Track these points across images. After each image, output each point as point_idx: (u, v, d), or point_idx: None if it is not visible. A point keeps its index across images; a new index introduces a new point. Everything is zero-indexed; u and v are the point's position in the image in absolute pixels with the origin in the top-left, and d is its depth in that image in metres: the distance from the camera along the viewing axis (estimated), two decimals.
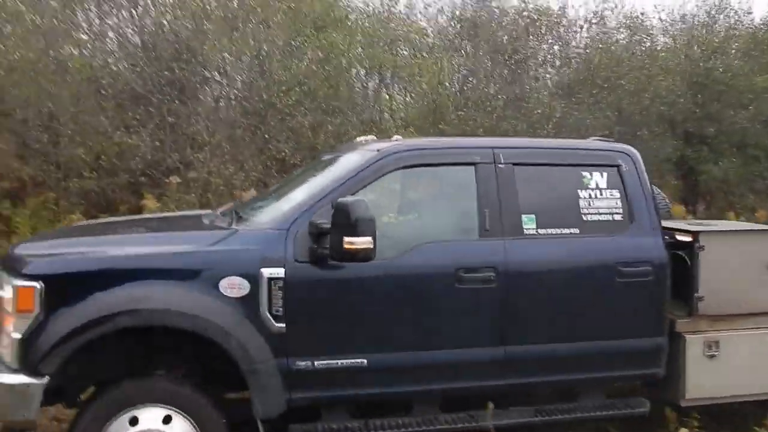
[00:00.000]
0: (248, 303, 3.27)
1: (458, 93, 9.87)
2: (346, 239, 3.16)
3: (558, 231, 3.80)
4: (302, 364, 3.36)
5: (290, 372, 3.34)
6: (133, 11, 8.67)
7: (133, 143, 7.80)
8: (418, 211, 3.89)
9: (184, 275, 3.26)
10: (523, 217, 3.75)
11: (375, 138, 4.43)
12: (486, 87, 9.79)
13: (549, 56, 10.64)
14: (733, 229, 4.85)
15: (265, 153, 8.32)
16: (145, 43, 8.60)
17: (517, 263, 3.67)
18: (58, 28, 8.27)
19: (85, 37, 8.70)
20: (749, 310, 4.12)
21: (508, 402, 3.74)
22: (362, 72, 9.84)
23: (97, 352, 3.23)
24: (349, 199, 3.23)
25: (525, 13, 10.27)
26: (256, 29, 8.81)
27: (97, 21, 8.78)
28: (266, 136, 8.33)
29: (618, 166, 3.97)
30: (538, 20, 10.24)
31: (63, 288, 3.12)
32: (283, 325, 3.31)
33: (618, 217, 3.90)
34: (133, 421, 3.17)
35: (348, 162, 3.81)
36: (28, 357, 3.06)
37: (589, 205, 3.88)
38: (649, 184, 4.03)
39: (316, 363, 3.38)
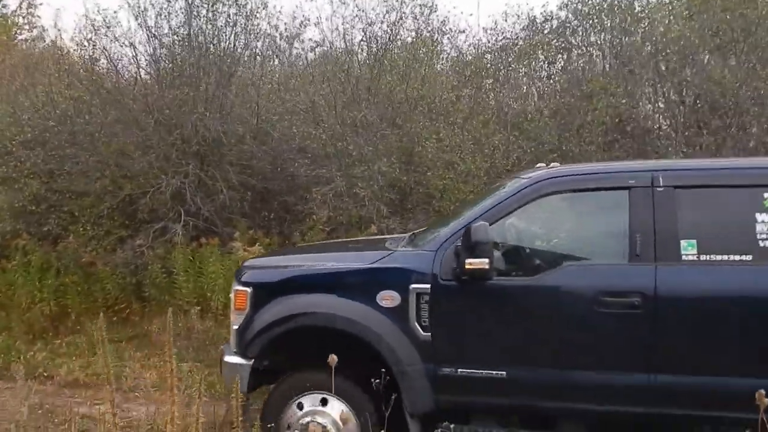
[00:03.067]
0: (399, 314, 3.84)
1: None
2: (467, 260, 3.55)
3: (725, 257, 3.58)
4: (447, 370, 3.79)
5: (436, 376, 3.80)
6: None
7: None
8: (567, 236, 4.00)
9: (350, 287, 3.98)
10: (682, 242, 3.63)
11: (558, 164, 4.61)
12: None
13: None
14: None
15: None
16: None
17: (668, 289, 3.57)
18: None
19: None
20: None
21: None
22: None
23: (299, 348, 4.12)
24: (474, 224, 3.60)
25: None
26: None
27: None
28: None
29: None
30: None
31: (264, 293, 4.11)
32: (429, 334, 3.80)
33: None
34: (300, 406, 4.00)
35: (502, 190, 4.14)
36: (240, 344, 4.11)
37: None
38: None
39: (459, 371, 3.78)
